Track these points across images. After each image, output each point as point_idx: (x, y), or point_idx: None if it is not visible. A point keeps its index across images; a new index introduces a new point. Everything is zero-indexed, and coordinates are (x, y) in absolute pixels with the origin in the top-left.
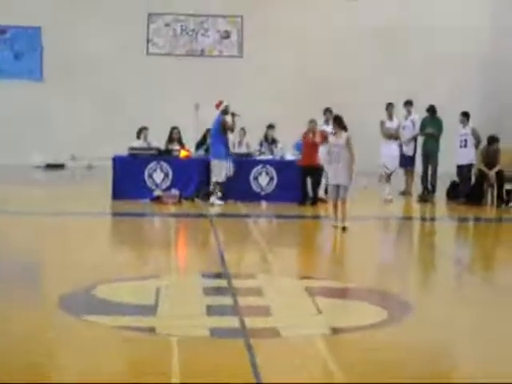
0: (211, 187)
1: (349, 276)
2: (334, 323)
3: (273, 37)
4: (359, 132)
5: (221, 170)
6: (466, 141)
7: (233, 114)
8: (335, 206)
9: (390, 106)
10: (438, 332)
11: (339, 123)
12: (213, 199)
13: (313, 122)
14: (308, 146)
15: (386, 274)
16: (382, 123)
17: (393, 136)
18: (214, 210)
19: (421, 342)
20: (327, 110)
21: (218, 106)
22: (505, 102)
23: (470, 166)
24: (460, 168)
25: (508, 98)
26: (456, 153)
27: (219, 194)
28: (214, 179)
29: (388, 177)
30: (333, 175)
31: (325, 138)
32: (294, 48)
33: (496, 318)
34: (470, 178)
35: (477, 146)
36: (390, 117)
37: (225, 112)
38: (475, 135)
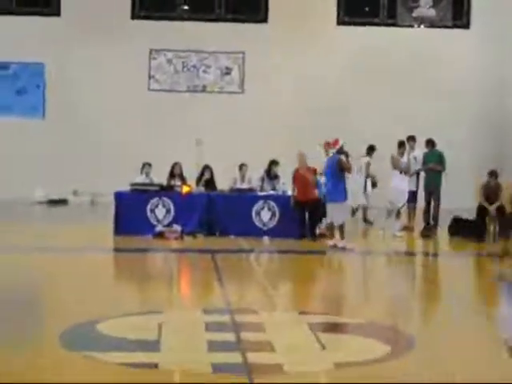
0: (324, 229)
1: (351, 311)
2: (336, 359)
3: (274, 73)
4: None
5: (341, 213)
6: None
7: (347, 155)
8: None
9: (403, 145)
10: (442, 368)
11: None
12: (343, 243)
13: (302, 155)
14: (300, 181)
15: (389, 309)
16: (395, 158)
17: (403, 170)
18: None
19: (424, 378)
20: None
21: (334, 144)
22: (507, 138)
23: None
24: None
25: (509, 133)
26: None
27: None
28: (329, 221)
29: (398, 212)
30: None
31: (315, 172)
32: (295, 84)
33: (500, 356)
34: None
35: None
36: (402, 154)
37: (340, 151)
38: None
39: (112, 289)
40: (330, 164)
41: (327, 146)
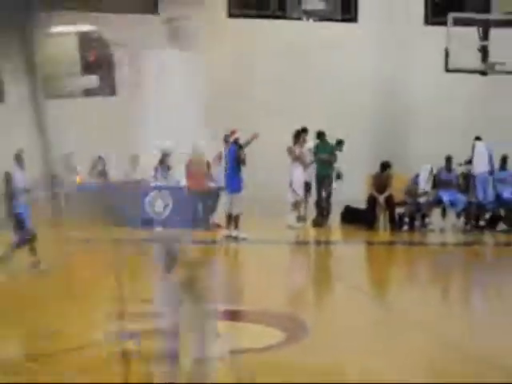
0: (226, 220)
1: (245, 299)
2: (231, 346)
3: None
4: (259, 157)
5: (239, 203)
6: None
7: (241, 146)
8: None
9: (298, 136)
10: (334, 352)
11: None
12: (236, 233)
13: (197, 146)
14: (194, 171)
15: (283, 297)
16: (291, 149)
17: (300, 161)
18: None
19: (317, 363)
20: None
21: (231, 134)
22: (400, 129)
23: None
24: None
25: (401, 125)
26: None
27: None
28: (226, 211)
29: (296, 203)
30: None
31: (208, 163)
32: (183, 75)
33: (388, 338)
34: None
35: None
36: (298, 145)
37: (236, 142)
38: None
39: None
40: (227, 155)
41: (231, 134)
